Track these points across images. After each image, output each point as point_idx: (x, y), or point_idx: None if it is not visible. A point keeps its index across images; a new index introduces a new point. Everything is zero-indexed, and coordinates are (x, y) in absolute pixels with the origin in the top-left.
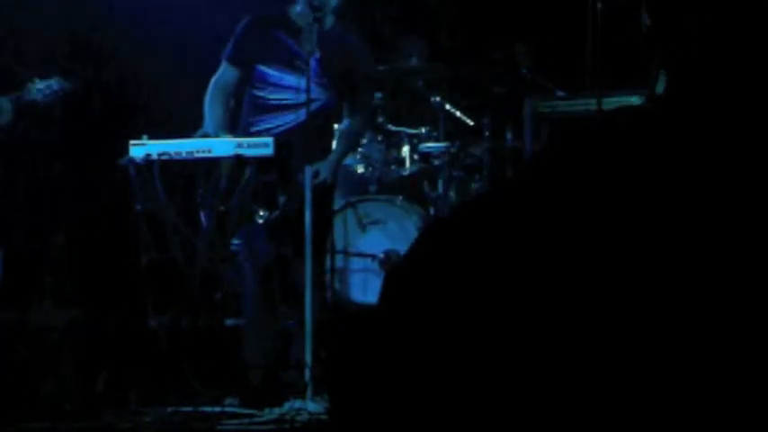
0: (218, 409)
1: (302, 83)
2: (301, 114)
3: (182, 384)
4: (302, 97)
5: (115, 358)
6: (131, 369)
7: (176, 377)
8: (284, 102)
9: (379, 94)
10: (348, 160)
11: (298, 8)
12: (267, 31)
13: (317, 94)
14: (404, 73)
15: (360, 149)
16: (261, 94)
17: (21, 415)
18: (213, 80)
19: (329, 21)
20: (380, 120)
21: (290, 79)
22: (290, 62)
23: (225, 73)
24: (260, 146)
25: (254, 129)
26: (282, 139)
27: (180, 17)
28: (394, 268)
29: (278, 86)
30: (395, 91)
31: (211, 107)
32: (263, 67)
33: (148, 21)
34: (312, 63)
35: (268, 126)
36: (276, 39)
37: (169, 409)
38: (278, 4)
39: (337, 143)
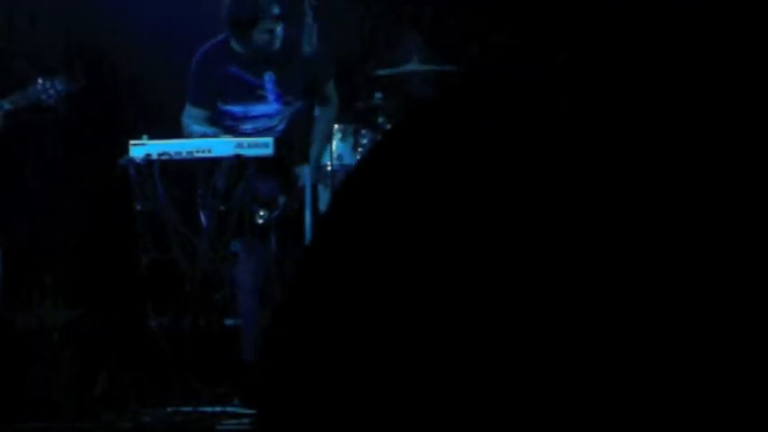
0: (218, 409)
1: (270, 108)
2: (278, 130)
3: (182, 384)
4: (273, 121)
5: (115, 358)
6: (131, 369)
7: (176, 377)
8: (257, 129)
9: (379, 94)
10: (348, 160)
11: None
12: (216, 69)
13: (286, 111)
14: (404, 73)
15: (360, 149)
16: (232, 124)
17: (21, 415)
18: (184, 117)
19: (278, 42)
20: (380, 120)
21: (257, 109)
22: (251, 94)
23: (191, 112)
24: (260, 146)
25: None
26: (283, 139)
27: (181, 16)
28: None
29: (247, 118)
30: (395, 91)
31: (197, 125)
32: (225, 107)
33: (149, 20)
34: (269, 86)
35: None
36: (229, 75)
37: (169, 409)
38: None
39: (313, 143)
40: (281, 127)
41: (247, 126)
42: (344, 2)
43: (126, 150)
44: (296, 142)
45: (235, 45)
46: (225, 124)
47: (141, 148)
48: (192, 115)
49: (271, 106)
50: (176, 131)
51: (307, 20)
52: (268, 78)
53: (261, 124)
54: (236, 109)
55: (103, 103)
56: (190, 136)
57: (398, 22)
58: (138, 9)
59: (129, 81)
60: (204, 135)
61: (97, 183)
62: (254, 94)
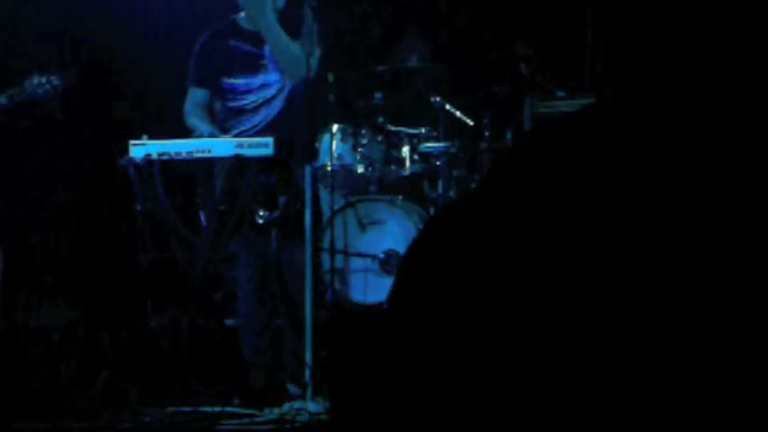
0: (218, 409)
1: (269, 78)
2: (278, 104)
3: (182, 384)
4: (272, 91)
5: (115, 358)
6: (131, 369)
7: (176, 377)
8: (257, 101)
9: (379, 94)
10: (348, 160)
11: (242, 14)
12: (221, 45)
13: (284, 81)
14: (404, 73)
15: (360, 149)
16: (233, 104)
17: (21, 415)
18: (187, 105)
19: (271, 18)
20: (380, 120)
21: (257, 80)
22: (252, 65)
23: (195, 95)
24: (260, 146)
25: (233, 132)
26: (271, 132)
27: (181, 17)
28: (400, 272)
29: (248, 92)
30: (395, 91)
31: (198, 117)
32: (228, 80)
33: (149, 20)
34: (269, 54)
35: (247, 126)
36: (232, 49)
37: (169, 409)
38: (225, 15)
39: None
40: (279, 101)
41: (248, 101)
42: (345, 2)
43: (126, 150)
44: (294, 129)
45: (239, 19)
46: (227, 105)
47: (141, 148)
48: (194, 99)
49: (271, 75)
50: (176, 131)
51: (306, 20)
52: (268, 49)
53: (261, 95)
54: (240, 82)
55: (104, 103)
56: (189, 127)
57: (398, 21)
58: (138, 9)
59: (130, 81)
60: (211, 135)
61: (97, 183)
62: (256, 65)
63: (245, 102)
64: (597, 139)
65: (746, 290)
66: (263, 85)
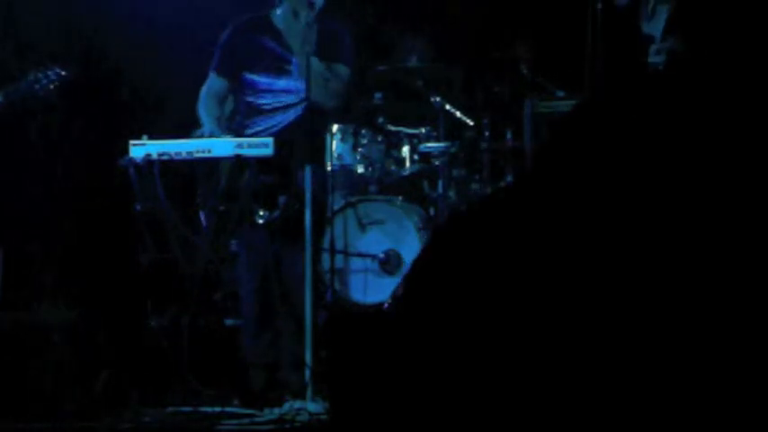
0: (218, 409)
1: (292, 84)
2: (295, 112)
3: (182, 384)
4: (292, 98)
5: (115, 358)
6: (131, 369)
7: (176, 377)
8: (277, 104)
9: (379, 94)
10: (348, 160)
11: (278, 11)
12: (252, 38)
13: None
14: (404, 73)
15: (360, 149)
16: (252, 99)
17: (21, 415)
18: (203, 90)
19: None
20: (380, 120)
21: (280, 83)
22: (279, 67)
23: (213, 83)
24: (260, 146)
25: (249, 131)
26: (282, 138)
27: (182, 16)
28: (407, 276)
29: (269, 91)
30: (395, 91)
31: (207, 111)
32: (251, 76)
33: (150, 20)
34: (296, 62)
35: (262, 128)
36: (261, 46)
37: (169, 409)
38: (260, 7)
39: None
40: (298, 110)
41: (267, 101)
42: (345, 2)
43: (126, 150)
44: (301, 136)
45: (273, 16)
46: (246, 99)
47: (141, 148)
48: (210, 88)
49: (295, 81)
50: (176, 131)
51: (307, 20)
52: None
53: (281, 99)
54: (262, 80)
55: (103, 103)
56: (198, 116)
57: (398, 21)
58: (139, 9)
59: (130, 81)
60: (211, 135)
61: (97, 183)
62: (282, 69)
63: (263, 101)
64: (607, 141)
65: (748, 290)
66: (285, 91)
